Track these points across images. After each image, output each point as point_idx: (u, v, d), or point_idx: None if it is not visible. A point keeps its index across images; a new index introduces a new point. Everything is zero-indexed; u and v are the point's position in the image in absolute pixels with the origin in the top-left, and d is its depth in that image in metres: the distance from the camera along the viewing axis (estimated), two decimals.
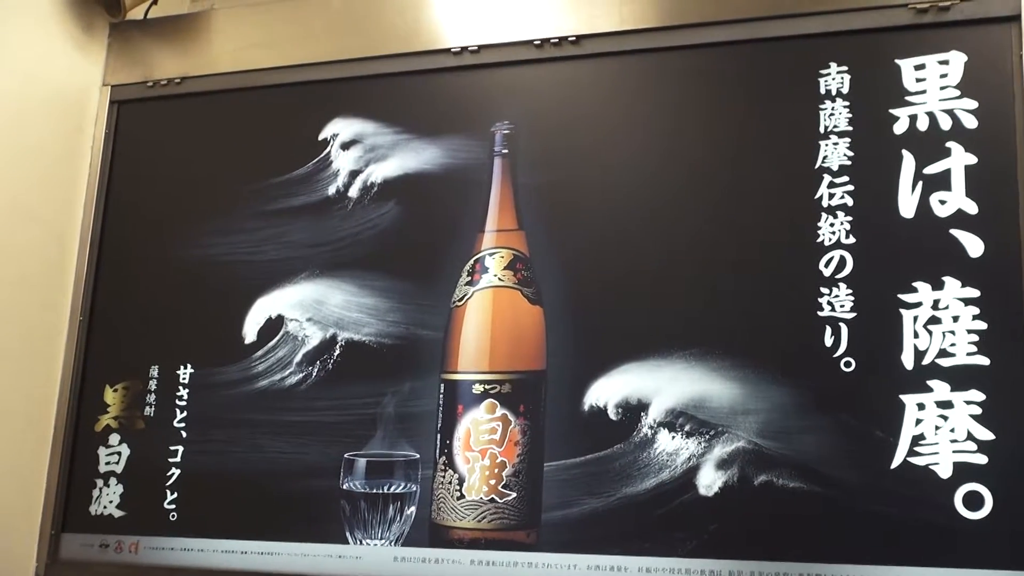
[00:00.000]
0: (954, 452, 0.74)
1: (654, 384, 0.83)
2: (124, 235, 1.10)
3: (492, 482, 0.85)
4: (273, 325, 0.99)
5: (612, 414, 0.83)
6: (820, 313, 0.80)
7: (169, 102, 1.12)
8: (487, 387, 0.87)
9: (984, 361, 0.75)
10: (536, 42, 0.96)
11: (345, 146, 1.02)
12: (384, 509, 0.87)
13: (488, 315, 0.90)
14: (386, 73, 1.03)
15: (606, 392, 0.84)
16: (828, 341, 0.79)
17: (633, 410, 0.83)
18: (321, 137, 1.03)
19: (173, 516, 0.98)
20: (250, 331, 1.00)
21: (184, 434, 1.00)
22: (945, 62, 0.81)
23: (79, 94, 1.10)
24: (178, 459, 0.99)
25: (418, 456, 0.90)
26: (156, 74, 1.11)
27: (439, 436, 0.89)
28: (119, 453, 1.00)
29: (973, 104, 0.80)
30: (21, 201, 1.00)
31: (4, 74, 0.99)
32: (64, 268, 1.06)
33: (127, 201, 1.11)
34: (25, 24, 1.02)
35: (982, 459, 0.73)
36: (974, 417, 0.74)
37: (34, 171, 1.03)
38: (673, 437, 0.81)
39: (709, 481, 0.79)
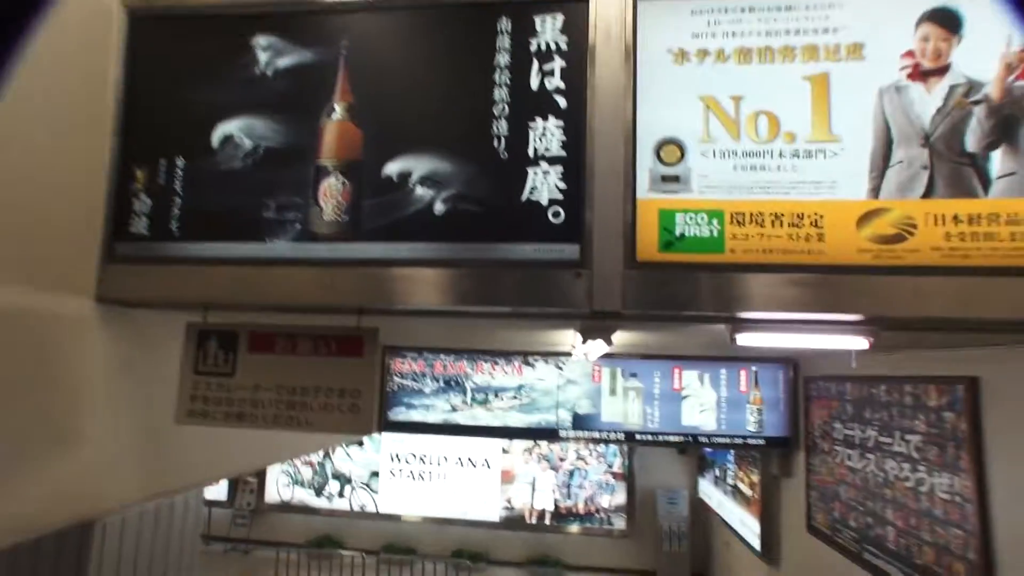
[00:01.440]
0: (548, 192, 1.63)
1: (415, 165, 1.67)
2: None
3: (338, 212, 1.69)
4: (228, 138, 1.76)
5: (395, 179, 1.67)
6: (492, 131, 1.66)
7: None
8: (333, 165, 1.70)
9: (564, 152, 1.63)
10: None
11: (263, 48, 1.81)
12: (284, 223, 1.71)
13: (335, 132, 1.69)
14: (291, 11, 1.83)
15: (392, 169, 1.66)
16: (495, 143, 1.66)
17: (405, 176, 1.67)
18: (252, 43, 1.81)
19: (177, 232, 1.76)
20: (215, 141, 1.76)
21: (180, 193, 1.79)
22: (555, 16, 1.68)
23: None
24: (178, 205, 1.78)
25: (303, 201, 1.73)
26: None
27: (312, 189, 1.71)
28: (145, 203, 1.79)
29: (566, 37, 1.67)
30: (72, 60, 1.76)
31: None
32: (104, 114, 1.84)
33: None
34: None
35: (560, 196, 1.62)
36: (558, 177, 1.63)
37: (77, 43, 1.78)
38: (423, 188, 1.67)
39: (439, 209, 1.65)
